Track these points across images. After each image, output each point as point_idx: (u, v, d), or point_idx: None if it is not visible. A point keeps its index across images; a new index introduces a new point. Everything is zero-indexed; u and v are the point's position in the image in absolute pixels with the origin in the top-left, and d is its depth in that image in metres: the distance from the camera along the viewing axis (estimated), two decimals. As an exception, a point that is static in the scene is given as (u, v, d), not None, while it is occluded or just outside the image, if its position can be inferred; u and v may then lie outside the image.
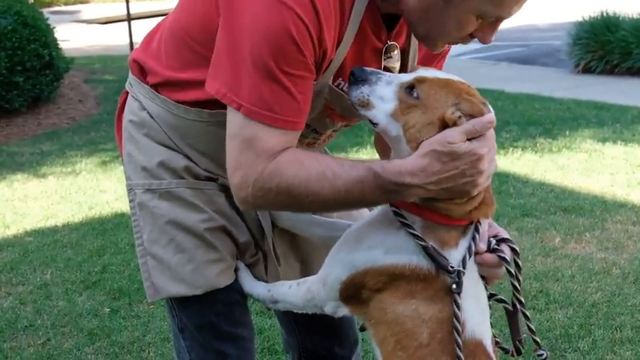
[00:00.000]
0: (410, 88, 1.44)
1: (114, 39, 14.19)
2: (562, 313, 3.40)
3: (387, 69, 1.58)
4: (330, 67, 1.50)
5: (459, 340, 1.45)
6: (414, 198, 1.44)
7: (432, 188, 1.41)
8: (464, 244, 1.50)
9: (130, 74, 1.76)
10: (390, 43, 1.57)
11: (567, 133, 6.45)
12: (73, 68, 8.84)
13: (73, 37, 13.74)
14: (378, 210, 1.60)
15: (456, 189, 1.42)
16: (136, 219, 1.73)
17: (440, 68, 1.75)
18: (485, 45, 1.51)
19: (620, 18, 9.39)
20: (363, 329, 1.64)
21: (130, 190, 1.74)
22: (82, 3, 20.23)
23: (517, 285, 1.55)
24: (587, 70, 9.32)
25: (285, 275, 1.81)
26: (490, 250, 1.53)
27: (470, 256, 1.49)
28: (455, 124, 1.39)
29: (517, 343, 1.61)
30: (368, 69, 1.47)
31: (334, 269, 1.57)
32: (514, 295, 1.56)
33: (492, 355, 1.53)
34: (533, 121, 6.81)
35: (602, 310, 3.42)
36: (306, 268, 1.88)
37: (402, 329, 1.49)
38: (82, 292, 3.76)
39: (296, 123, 1.46)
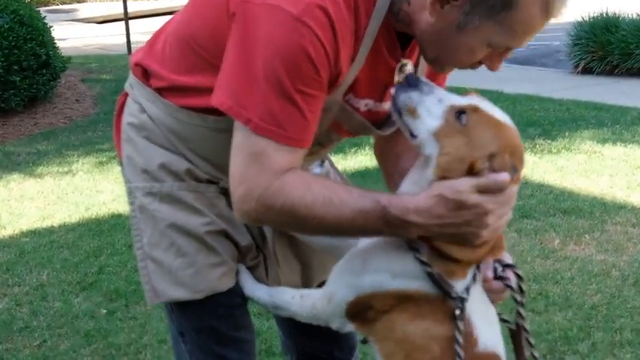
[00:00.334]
0: (460, 112, 1.40)
1: (111, 38, 14.18)
2: (561, 315, 3.39)
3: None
4: (343, 84, 1.48)
5: None
6: (415, 235, 1.43)
7: (435, 230, 1.40)
8: (471, 273, 1.49)
9: (132, 76, 1.73)
10: (403, 61, 1.55)
11: (567, 134, 6.44)
12: (69, 67, 8.81)
13: (69, 36, 13.72)
14: None
15: (458, 237, 1.41)
16: (136, 222, 1.71)
17: (443, 81, 1.74)
18: (493, 71, 1.50)
19: (620, 18, 9.38)
20: (365, 342, 1.62)
21: (130, 192, 1.71)
22: (78, 2, 20.20)
23: (522, 311, 1.55)
24: (587, 71, 9.31)
25: (285, 277, 1.80)
26: (496, 277, 1.53)
27: (474, 282, 1.48)
28: (478, 174, 1.36)
29: None
30: (423, 79, 1.44)
31: (340, 290, 1.55)
32: (518, 320, 1.57)
33: None
34: (532, 122, 6.80)
35: (601, 313, 3.40)
36: (307, 270, 1.86)
37: (412, 346, 1.49)
38: (78, 294, 3.74)
39: (304, 141, 1.44)
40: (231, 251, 1.70)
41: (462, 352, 1.43)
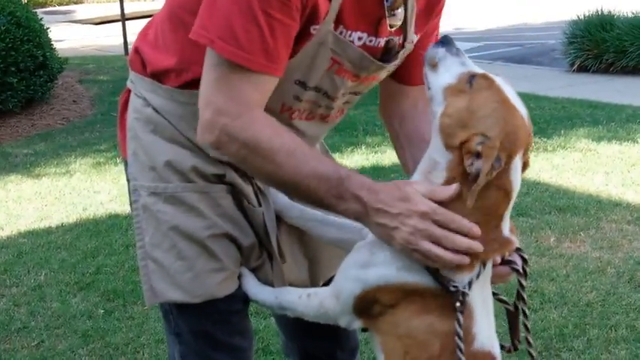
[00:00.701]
0: (472, 76, 1.44)
1: (108, 39, 14.17)
2: (557, 312, 3.40)
3: (390, 25, 1.58)
4: (330, 13, 1.49)
5: (462, 357, 1.44)
6: (352, 215, 1.47)
7: (371, 214, 1.44)
8: (477, 267, 1.49)
9: (131, 71, 1.74)
10: None
11: (562, 132, 6.46)
12: (67, 69, 8.80)
13: (67, 37, 13.71)
14: None
15: (381, 228, 1.45)
16: (139, 220, 1.71)
17: (436, 26, 1.76)
18: None
19: (615, 17, 9.39)
20: (365, 330, 1.62)
21: (134, 190, 1.71)
22: (75, 3, 20.18)
23: (524, 295, 1.57)
24: (582, 69, 9.33)
25: (292, 274, 1.79)
26: (503, 261, 1.54)
27: (477, 278, 1.49)
28: (465, 154, 1.39)
29: (515, 341, 1.62)
30: (457, 44, 1.49)
31: (347, 284, 1.55)
32: (522, 304, 1.58)
33: None
34: (528, 120, 6.80)
35: (596, 310, 3.42)
36: (314, 267, 1.85)
37: (413, 342, 1.49)
38: (76, 294, 3.75)
39: (268, 67, 1.45)
40: (234, 255, 1.70)
41: (462, 345, 1.44)
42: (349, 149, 6.10)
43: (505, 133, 1.40)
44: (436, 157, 1.46)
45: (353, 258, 1.57)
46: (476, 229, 1.42)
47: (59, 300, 3.68)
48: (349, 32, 1.54)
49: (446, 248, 1.42)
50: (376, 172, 5.33)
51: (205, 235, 1.65)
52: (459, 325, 1.44)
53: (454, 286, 1.44)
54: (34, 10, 8.88)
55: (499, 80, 1.45)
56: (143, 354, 3.18)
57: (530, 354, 1.62)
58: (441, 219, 1.42)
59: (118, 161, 5.79)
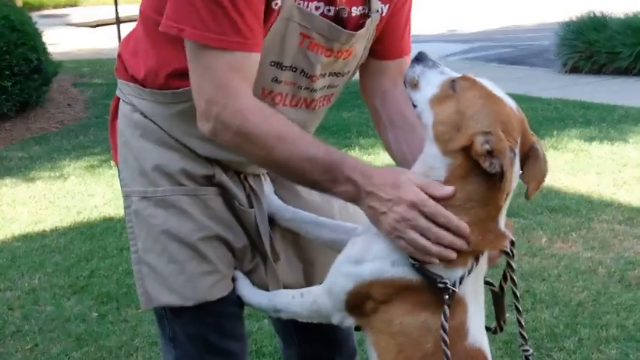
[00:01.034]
0: (454, 81, 1.46)
1: (103, 42, 14.17)
2: (548, 312, 3.43)
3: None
4: None
5: (448, 351, 1.45)
6: (345, 197, 1.50)
7: (362, 197, 1.47)
8: (470, 262, 1.50)
9: (117, 79, 1.77)
10: None
11: (554, 133, 6.48)
12: (61, 72, 8.81)
13: (62, 40, 13.70)
14: None
15: (370, 211, 1.48)
16: (131, 226, 1.72)
17: (409, 7, 1.78)
18: None
19: (607, 18, 9.44)
20: (358, 329, 1.63)
21: (127, 196, 1.73)
22: (71, 6, 20.17)
23: (514, 276, 1.59)
24: (575, 70, 9.37)
25: (286, 275, 1.80)
26: None
27: (469, 274, 1.49)
28: (478, 158, 1.40)
29: (501, 322, 1.64)
30: (431, 57, 1.52)
31: (340, 280, 1.55)
32: (512, 288, 1.59)
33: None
34: (521, 121, 6.82)
35: (588, 309, 3.44)
36: (309, 269, 1.86)
37: (407, 339, 1.49)
38: (70, 297, 3.76)
39: (240, 43, 1.48)
40: (226, 258, 1.71)
41: (447, 338, 1.44)
42: (343, 151, 6.10)
43: (500, 122, 1.42)
44: (433, 163, 1.47)
45: (346, 254, 1.57)
46: (464, 227, 1.43)
47: (53, 303, 3.70)
48: (306, 3, 1.56)
49: (430, 241, 1.44)
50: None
51: (196, 238, 1.67)
52: (445, 318, 1.45)
53: (443, 283, 1.45)
54: (29, 14, 8.88)
55: (481, 79, 1.48)
56: (137, 357, 3.19)
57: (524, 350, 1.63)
58: (429, 211, 1.43)
59: (113, 164, 5.79)
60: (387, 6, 1.70)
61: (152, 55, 1.64)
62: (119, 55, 1.76)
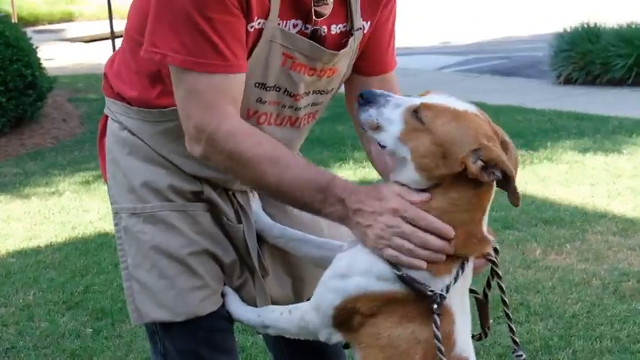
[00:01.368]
0: (415, 112, 1.46)
1: (99, 57, 14.17)
2: (542, 324, 3.43)
3: (317, 14, 1.60)
4: (271, 9, 1.54)
5: (444, 358, 1.46)
6: (337, 219, 1.52)
7: (350, 216, 1.50)
8: (455, 269, 1.51)
9: (105, 97, 1.79)
10: None
11: (548, 144, 6.50)
12: (56, 87, 8.82)
13: (57, 55, 13.72)
14: None
15: (360, 230, 1.50)
16: (121, 243, 1.74)
17: (390, 14, 1.76)
18: None
19: (601, 29, 9.48)
20: (347, 347, 1.64)
21: (116, 213, 1.74)
22: (66, 22, 20.20)
23: (502, 284, 1.60)
24: (569, 81, 9.39)
25: (275, 291, 1.81)
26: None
27: (455, 282, 1.50)
28: (477, 176, 1.43)
29: (485, 329, 1.66)
30: (377, 91, 1.50)
31: (327, 295, 1.57)
32: (501, 296, 1.60)
33: None
34: (515, 133, 6.83)
35: (582, 321, 3.45)
36: (298, 285, 1.87)
37: (395, 352, 1.51)
38: (64, 313, 3.75)
39: (224, 66, 1.50)
40: (215, 273, 1.72)
41: (442, 348, 1.45)
42: (337, 164, 6.13)
43: (479, 134, 1.44)
44: (417, 184, 1.48)
45: (332, 269, 1.59)
46: (448, 229, 1.46)
47: (48, 319, 3.69)
48: (284, 22, 1.58)
49: (416, 246, 1.46)
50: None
51: (185, 253, 1.68)
52: (437, 327, 1.46)
53: (431, 290, 1.47)
54: (24, 30, 8.89)
55: (437, 99, 1.48)
56: (131, 372, 3.19)
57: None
58: (410, 216, 1.46)
59: (107, 179, 5.80)
60: (369, 22, 1.71)
61: (135, 80, 1.66)
62: (105, 75, 1.78)
